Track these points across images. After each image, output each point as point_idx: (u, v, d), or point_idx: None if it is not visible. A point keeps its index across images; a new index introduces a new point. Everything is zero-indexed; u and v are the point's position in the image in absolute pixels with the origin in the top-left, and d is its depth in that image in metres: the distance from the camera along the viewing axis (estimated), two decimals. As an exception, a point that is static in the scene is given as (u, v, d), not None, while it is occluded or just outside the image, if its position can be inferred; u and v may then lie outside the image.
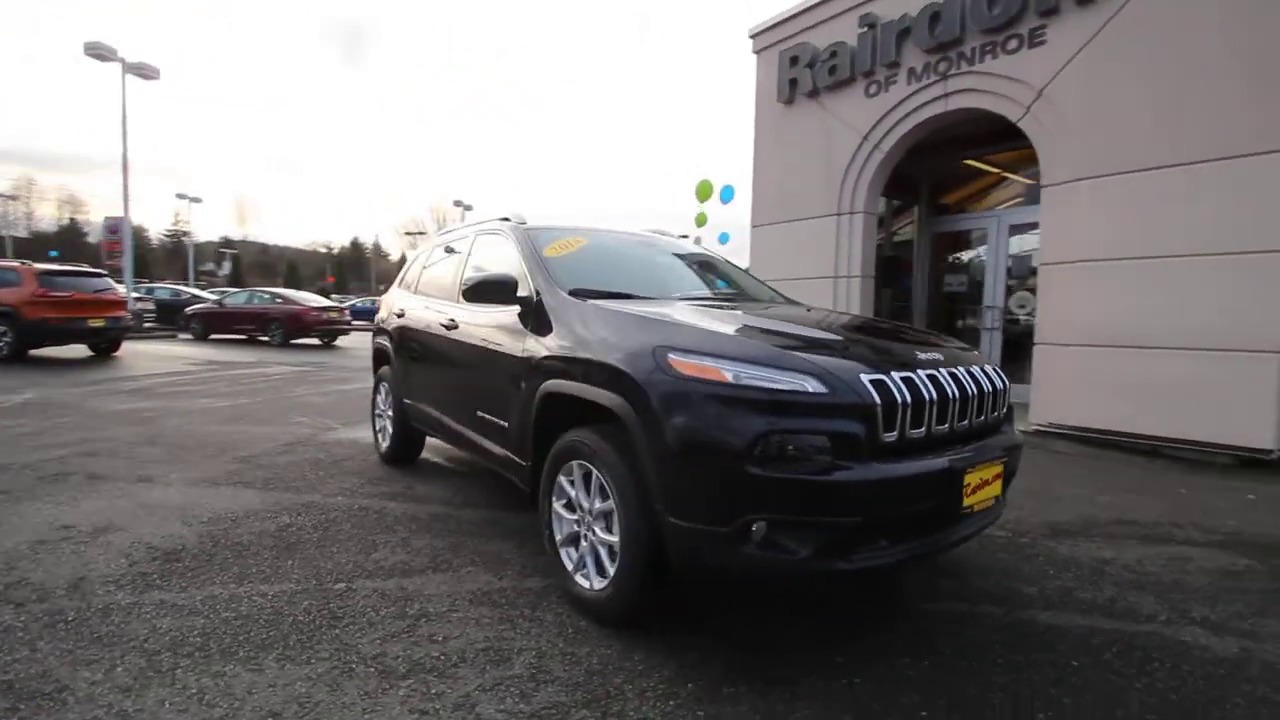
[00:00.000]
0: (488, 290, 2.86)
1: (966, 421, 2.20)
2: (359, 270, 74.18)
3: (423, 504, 3.68)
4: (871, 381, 1.97)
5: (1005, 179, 8.28)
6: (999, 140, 7.16)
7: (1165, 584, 2.77)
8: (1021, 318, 7.19)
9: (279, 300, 16.16)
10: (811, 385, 1.92)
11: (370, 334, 5.14)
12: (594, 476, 2.31)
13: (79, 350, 11.76)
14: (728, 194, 16.65)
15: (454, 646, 2.16)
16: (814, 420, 1.90)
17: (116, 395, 7.48)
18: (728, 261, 3.99)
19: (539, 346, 2.67)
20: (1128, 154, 5.22)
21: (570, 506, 2.50)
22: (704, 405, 1.94)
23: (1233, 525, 3.51)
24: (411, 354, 4.12)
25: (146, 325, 17.13)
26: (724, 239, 19.22)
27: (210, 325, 16.56)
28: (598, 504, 2.32)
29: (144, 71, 16.54)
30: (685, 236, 6.26)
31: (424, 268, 4.38)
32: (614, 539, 2.24)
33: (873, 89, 6.99)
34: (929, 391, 2.06)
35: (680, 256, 3.76)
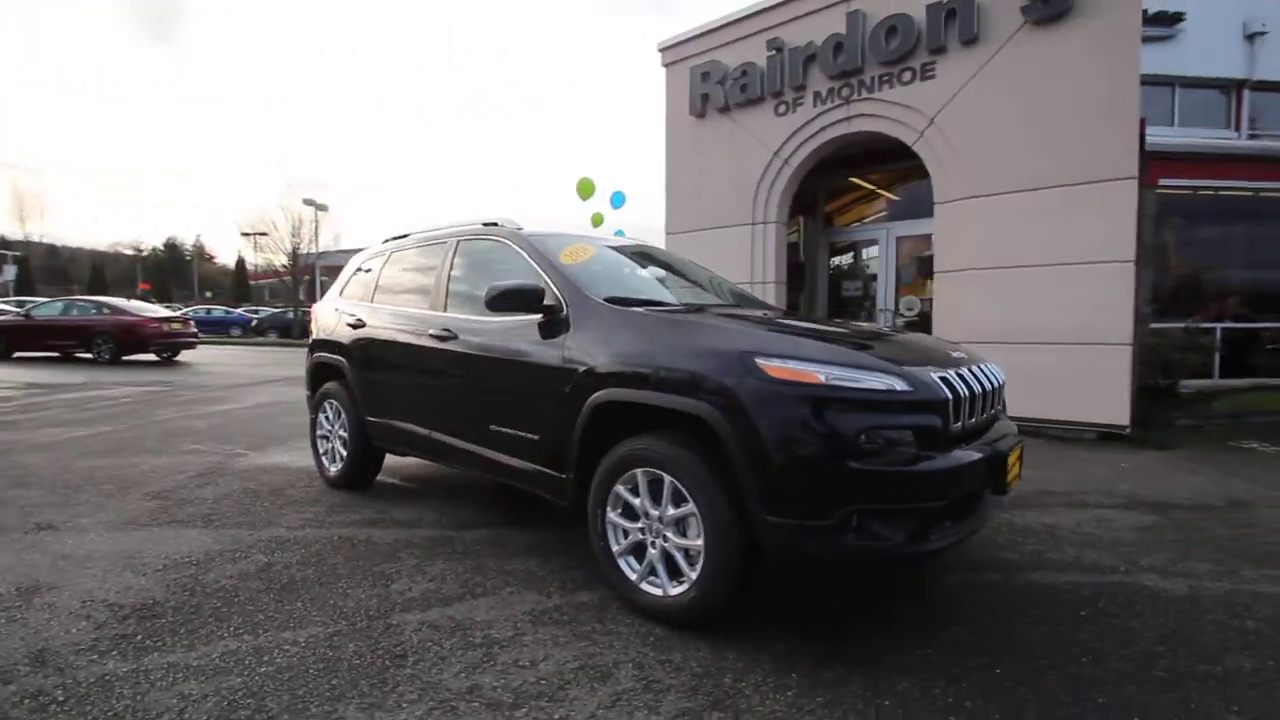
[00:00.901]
0: (513, 299, 2.76)
1: (993, 411, 2.51)
2: (180, 276, 65.41)
3: (411, 529, 3.43)
4: (940, 379, 2.19)
5: (875, 195, 9.26)
6: (878, 161, 8.01)
7: (1106, 541, 3.31)
8: (909, 318, 8.06)
9: (107, 310, 13.89)
10: (898, 384, 2.10)
11: (307, 349, 4.66)
12: (666, 482, 2.33)
13: None
14: (618, 199, 16.81)
15: (547, 670, 2.09)
16: (903, 416, 2.09)
17: (-74, 430, 6.10)
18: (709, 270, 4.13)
19: (582, 356, 2.62)
20: (1004, 176, 6.09)
21: (630, 515, 2.48)
22: (801, 406, 2.05)
23: (1125, 489, 4.25)
24: (379, 367, 3.81)
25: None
26: (619, 234, 19.41)
27: (13, 341, 13.86)
28: (670, 510, 2.33)
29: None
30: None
31: (382, 276, 4.07)
32: (692, 542, 2.28)
33: (781, 108, 7.51)
34: (976, 386, 2.33)
35: (674, 265, 3.84)
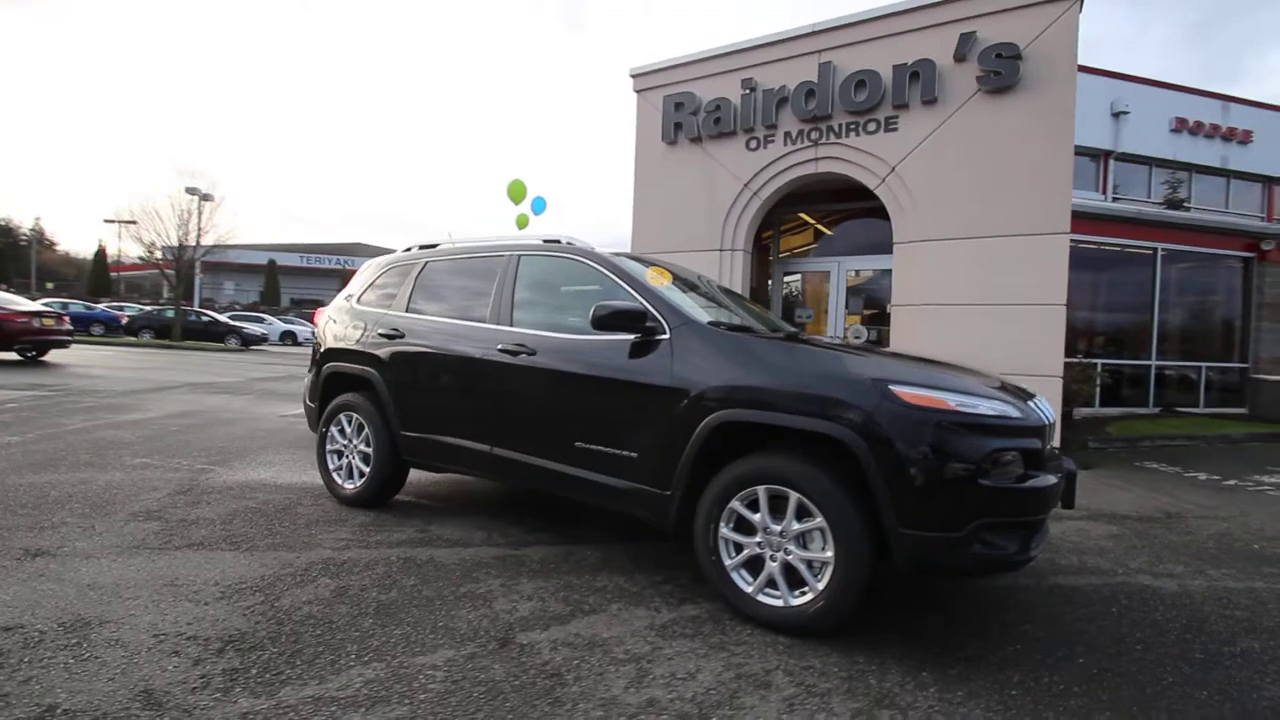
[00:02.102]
0: (621, 320, 2.83)
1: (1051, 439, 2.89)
2: (17, 262, 56.83)
3: (469, 548, 3.34)
4: (1036, 407, 2.52)
5: (807, 226, 9.98)
6: (834, 199, 8.66)
7: (1094, 549, 3.82)
8: (857, 345, 8.69)
9: (-40, 302, 11.96)
10: (1011, 411, 2.39)
11: (314, 356, 4.36)
12: (792, 498, 2.48)
13: None
14: (539, 205, 16.71)
15: (706, 681, 2.16)
16: (1018, 439, 2.38)
17: None
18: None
19: (695, 377, 2.72)
20: (956, 224, 6.81)
21: (744, 529, 2.61)
22: (938, 430, 2.28)
23: (1081, 503, 4.86)
24: (425, 381, 3.68)
25: None
26: None
27: None
28: (795, 524, 2.49)
29: None
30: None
31: (416, 286, 3.94)
32: (816, 554, 2.44)
33: (753, 144, 7.94)
34: (1049, 415, 2.68)
35: (720, 293, 4.00)
